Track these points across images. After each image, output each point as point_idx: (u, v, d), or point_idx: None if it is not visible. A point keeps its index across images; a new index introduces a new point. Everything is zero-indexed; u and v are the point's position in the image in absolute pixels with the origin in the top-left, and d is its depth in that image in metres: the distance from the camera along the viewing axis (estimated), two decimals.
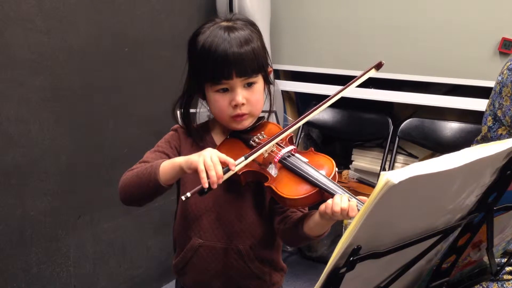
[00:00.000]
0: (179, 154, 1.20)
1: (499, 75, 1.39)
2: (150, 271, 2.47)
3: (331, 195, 0.98)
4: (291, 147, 1.11)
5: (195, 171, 0.98)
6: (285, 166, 1.07)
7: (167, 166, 1.05)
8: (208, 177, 0.96)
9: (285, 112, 2.81)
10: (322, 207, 0.98)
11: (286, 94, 2.81)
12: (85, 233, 2.11)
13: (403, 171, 0.58)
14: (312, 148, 1.13)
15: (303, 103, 2.87)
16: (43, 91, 1.87)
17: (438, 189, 0.66)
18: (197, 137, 1.20)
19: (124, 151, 2.22)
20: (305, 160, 1.07)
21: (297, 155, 1.09)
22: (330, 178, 1.02)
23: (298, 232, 1.09)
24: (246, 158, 1.03)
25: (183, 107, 1.20)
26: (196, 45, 1.11)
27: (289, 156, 1.08)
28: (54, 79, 1.90)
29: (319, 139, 2.91)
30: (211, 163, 0.96)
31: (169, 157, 1.17)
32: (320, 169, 1.04)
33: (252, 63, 1.09)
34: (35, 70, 1.84)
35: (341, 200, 0.95)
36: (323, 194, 1.00)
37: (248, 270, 1.18)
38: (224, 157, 0.99)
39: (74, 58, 1.96)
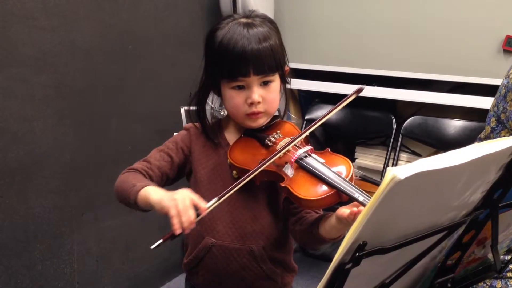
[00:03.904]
0: (189, 155, 1.19)
1: (505, 78, 1.37)
2: (153, 268, 2.47)
3: (349, 196, 0.95)
4: (307, 148, 1.09)
5: (166, 215, 0.95)
6: (301, 166, 1.05)
7: (142, 196, 1.03)
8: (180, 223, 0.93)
9: (288, 110, 2.80)
10: (340, 211, 0.96)
11: (289, 92, 2.80)
12: (88, 231, 2.12)
13: (409, 166, 0.58)
14: (328, 149, 1.10)
15: (306, 101, 2.87)
16: (47, 89, 1.88)
17: (444, 185, 0.66)
18: (211, 134, 1.19)
19: (128, 149, 2.22)
20: (322, 160, 1.05)
21: (313, 155, 1.07)
22: (347, 179, 0.99)
23: (313, 234, 1.07)
24: (219, 199, 0.99)
25: (198, 104, 1.19)
26: (214, 41, 1.10)
27: (305, 157, 1.06)
28: (58, 76, 1.91)
29: (322, 137, 2.91)
30: (182, 208, 0.93)
31: (173, 160, 1.17)
32: (337, 170, 1.02)
33: (270, 60, 1.08)
34: (39, 68, 1.84)
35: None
36: (341, 195, 0.98)
37: (260, 271, 1.17)
38: (196, 200, 0.96)
39: (78, 55, 1.97)
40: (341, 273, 0.67)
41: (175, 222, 0.93)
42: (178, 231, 0.93)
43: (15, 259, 1.85)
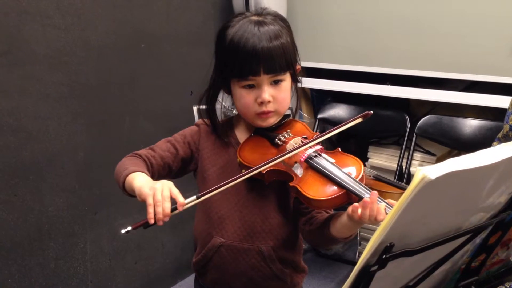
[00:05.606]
0: (195, 151, 1.18)
1: None
2: (165, 267, 2.47)
3: (358, 197, 0.94)
4: (317, 147, 1.07)
5: (144, 202, 0.93)
6: (311, 166, 1.03)
7: (129, 181, 1.02)
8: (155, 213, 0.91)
9: (300, 109, 2.79)
10: (350, 210, 0.95)
11: (301, 91, 2.79)
12: (101, 229, 2.12)
13: (440, 166, 0.57)
14: (339, 148, 1.09)
15: (318, 100, 2.86)
16: (60, 87, 1.88)
17: (474, 186, 0.65)
18: (221, 133, 1.18)
19: (140, 147, 2.22)
20: (332, 160, 1.03)
21: (323, 155, 1.05)
22: (358, 180, 0.97)
23: (324, 233, 1.06)
24: (197, 198, 0.97)
25: (208, 102, 1.17)
26: (225, 39, 1.08)
27: (315, 156, 1.04)
28: (71, 75, 1.91)
29: (334, 136, 2.88)
30: (160, 198, 0.91)
31: (178, 152, 1.16)
32: (348, 171, 1.00)
33: (281, 59, 1.06)
34: (53, 66, 1.84)
35: (369, 204, 0.91)
36: (350, 196, 0.97)
37: (269, 271, 1.16)
38: (175, 193, 0.93)
39: (91, 54, 1.96)
40: (366, 275, 0.66)
41: (150, 212, 0.91)
42: (151, 221, 0.91)
43: (29, 257, 1.86)
